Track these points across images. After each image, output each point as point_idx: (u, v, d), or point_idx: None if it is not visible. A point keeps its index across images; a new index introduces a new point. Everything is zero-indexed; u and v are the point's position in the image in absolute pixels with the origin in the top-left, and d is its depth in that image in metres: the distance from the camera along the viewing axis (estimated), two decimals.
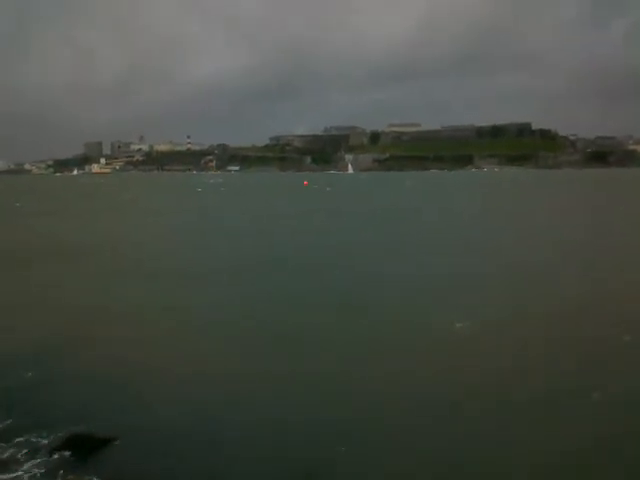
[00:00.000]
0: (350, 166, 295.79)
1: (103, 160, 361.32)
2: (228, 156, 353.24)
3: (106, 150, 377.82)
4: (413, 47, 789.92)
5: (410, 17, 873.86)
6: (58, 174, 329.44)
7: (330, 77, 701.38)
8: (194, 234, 33.66)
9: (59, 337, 13.08)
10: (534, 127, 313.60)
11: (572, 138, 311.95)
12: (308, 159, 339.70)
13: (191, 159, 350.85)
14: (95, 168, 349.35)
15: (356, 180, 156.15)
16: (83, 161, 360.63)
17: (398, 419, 9.00)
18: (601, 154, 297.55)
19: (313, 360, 11.44)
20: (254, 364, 11.27)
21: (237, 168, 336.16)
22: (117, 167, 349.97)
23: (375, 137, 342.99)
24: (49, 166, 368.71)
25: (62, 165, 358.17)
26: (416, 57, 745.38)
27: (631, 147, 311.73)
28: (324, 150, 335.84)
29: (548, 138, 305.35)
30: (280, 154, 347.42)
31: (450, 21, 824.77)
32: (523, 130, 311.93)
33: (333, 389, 10.06)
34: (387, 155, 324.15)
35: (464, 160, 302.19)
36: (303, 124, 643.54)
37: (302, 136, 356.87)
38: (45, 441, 8.35)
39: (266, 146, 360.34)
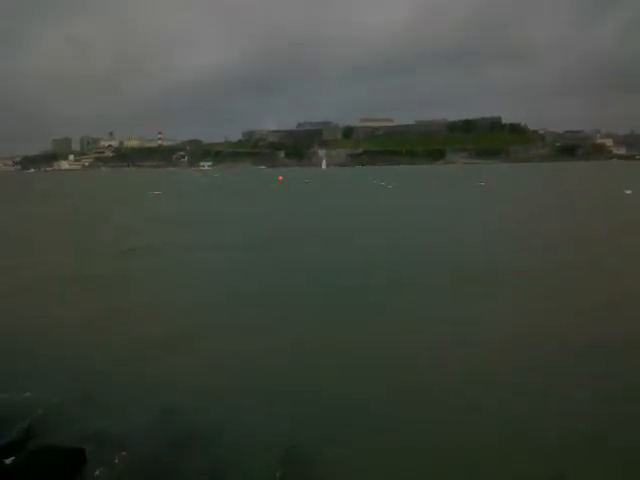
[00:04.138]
0: (324, 162, 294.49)
1: (72, 157, 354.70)
2: (201, 152, 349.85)
3: (75, 146, 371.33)
4: (396, 44, 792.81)
5: (395, 14, 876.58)
6: (32, 170, 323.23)
7: (305, 73, 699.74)
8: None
9: None
10: (504, 121, 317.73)
11: (541, 132, 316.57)
12: (282, 154, 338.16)
13: (162, 155, 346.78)
14: (64, 165, 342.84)
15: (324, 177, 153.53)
16: (51, 158, 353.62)
17: None
18: (570, 147, 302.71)
19: None
20: None
21: (210, 164, 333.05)
22: (86, 164, 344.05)
23: (348, 132, 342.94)
24: (16, 163, 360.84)
25: (30, 162, 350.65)
26: (397, 54, 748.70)
27: (599, 141, 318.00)
28: (297, 145, 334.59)
29: (518, 132, 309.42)
30: (253, 149, 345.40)
31: (433, 19, 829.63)
32: (494, 124, 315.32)
33: None
34: (360, 150, 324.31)
35: (436, 154, 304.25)
36: (276, 119, 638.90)
37: (275, 131, 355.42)
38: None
39: (239, 141, 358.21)
